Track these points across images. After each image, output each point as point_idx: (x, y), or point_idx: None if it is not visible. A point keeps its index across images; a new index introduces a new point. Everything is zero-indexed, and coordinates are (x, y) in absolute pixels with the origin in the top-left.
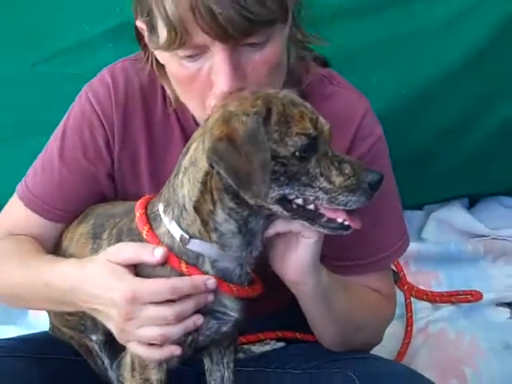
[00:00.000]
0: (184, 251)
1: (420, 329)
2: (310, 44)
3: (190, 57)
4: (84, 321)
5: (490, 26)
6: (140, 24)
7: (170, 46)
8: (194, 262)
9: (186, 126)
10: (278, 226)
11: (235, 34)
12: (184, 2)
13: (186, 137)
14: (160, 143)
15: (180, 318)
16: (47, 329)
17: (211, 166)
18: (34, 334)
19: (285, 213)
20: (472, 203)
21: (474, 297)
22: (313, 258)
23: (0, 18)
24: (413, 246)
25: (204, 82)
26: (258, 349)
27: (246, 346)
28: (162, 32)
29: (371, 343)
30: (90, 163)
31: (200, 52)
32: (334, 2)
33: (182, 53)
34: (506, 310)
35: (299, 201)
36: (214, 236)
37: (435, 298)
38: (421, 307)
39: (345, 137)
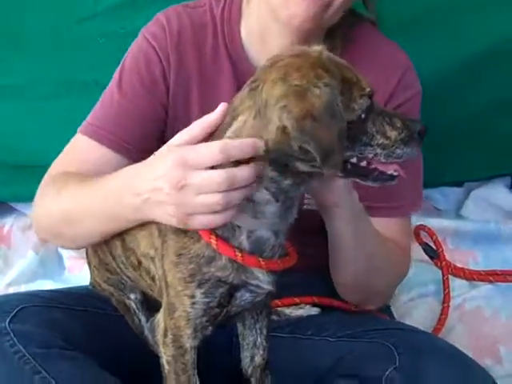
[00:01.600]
0: None
1: (456, 306)
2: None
3: None
4: (124, 280)
5: None
6: None
7: None
8: (229, 234)
9: (235, 57)
10: None
11: None
12: None
13: (234, 66)
14: (211, 73)
15: (235, 182)
16: (83, 284)
17: (300, 147)
18: (74, 287)
19: (340, 174)
20: None
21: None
22: (346, 180)
23: None
24: (451, 223)
25: None
26: (292, 312)
27: (280, 309)
28: None
29: (383, 295)
30: (147, 92)
31: None
32: None
33: None
34: None
35: (353, 160)
36: (247, 204)
37: (473, 276)
38: (458, 285)
39: (387, 84)
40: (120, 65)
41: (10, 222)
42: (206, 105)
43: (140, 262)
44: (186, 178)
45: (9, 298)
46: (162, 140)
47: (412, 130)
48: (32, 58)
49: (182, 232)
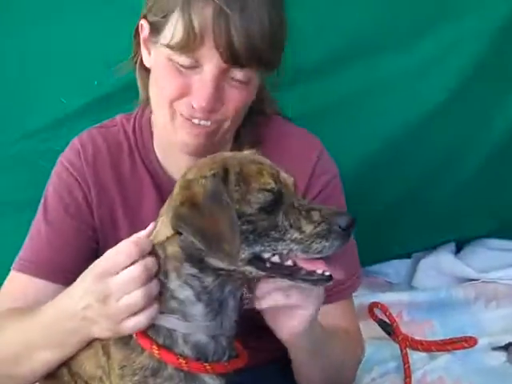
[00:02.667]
0: (157, 329)
1: (419, 379)
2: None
3: (186, 67)
4: None
5: (459, 71)
6: (145, 22)
7: (182, 47)
8: (169, 342)
9: (153, 171)
10: (275, 300)
11: (238, 59)
12: (207, 14)
13: (155, 182)
14: (133, 190)
15: (149, 273)
16: None
17: (178, 233)
18: None
19: (260, 272)
20: (459, 248)
21: (468, 343)
22: (309, 324)
23: None
24: (404, 296)
25: (184, 92)
26: None
27: None
28: (177, 34)
29: (347, 381)
30: (72, 219)
31: (196, 65)
32: (300, 60)
33: (183, 61)
34: (503, 354)
35: (275, 258)
36: (174, 304)
37: (431, 347)
38: (418, 357)
39: (303, 175)
40: (43, 195)
41: None
42: (133, 222)
43: None
44: (106, 288)
45: None
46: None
47: (332, 223)
48: None
49: (124, 344)
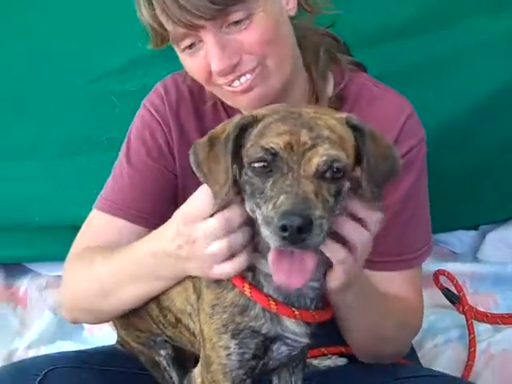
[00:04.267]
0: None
1: (482, 350)
2: (312, 12)
3: (189, 47)
4: (154, 337)
5: None
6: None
7: (156, 44)
8: (255, 282)
9: (230, 112)
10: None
11: (205, 15)
12: (155, 2)
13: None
14: None
15: (229, 223)
16: (102, 344)
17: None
18: (100, 346)
19: None
20: None
21: None
22: (349, 277)
23: (56, 36)
24: (469, 267)
25: (207, 68)
26: (319, 363)
27: (307, 360)
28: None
29: (399, 353)
30: (154, 161)
31: (194, 40)
32: (393, 20)
33: (181, 45)
34: None
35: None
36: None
37: (496, 320)
38: (481, 329)
39: (388, 136)
40: (126, 136)
41: (25, 283)
42: None
43: (178, 320)
44: (193, 232)
45: (35, 361)
46: (176, 204)
47: (278, 215)
48: (40, 118)
49: (216, 283)
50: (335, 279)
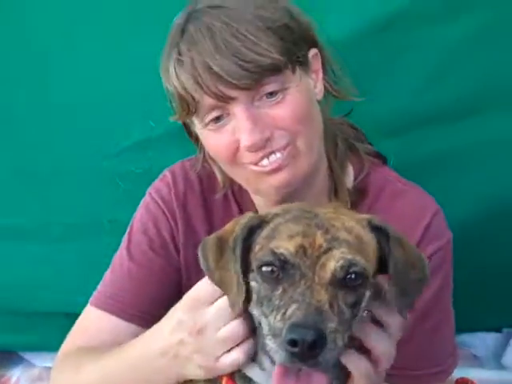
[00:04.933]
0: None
1: None
2: (339, 98)
3: (215, 120)
4: None
5: None
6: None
7: (181, 116)
8: None
9: (243, 205)
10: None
11: (240, 84)
12: (186, 70)
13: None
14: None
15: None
16: None
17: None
18: None
19: None
20: None
21: None
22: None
23: (62, 116)
24: (493, 375)
25: (234, 144)
26: None
27: None
28: (177, 104)
29: None
30: (156, 255)
31: (221, 113)
32: (416, 109)
33: (206, 118)
34: None
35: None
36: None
37: None
38: None
39: (412, 236)
40: (129, 226)
41: (17, 374)
42: None
43: None
44: (201, 318)
45: None
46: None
47: (287, 327)
48: (45, 199)
49: None
50: None
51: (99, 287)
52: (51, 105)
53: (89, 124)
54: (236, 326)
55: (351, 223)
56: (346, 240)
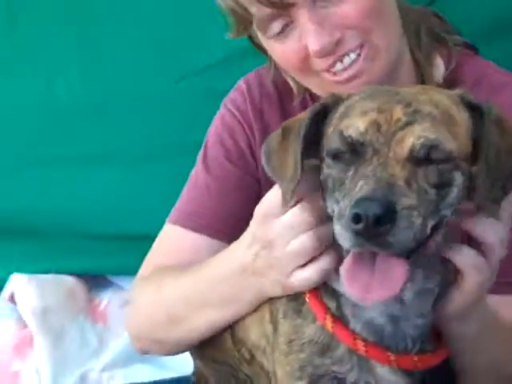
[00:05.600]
0: (331, 294)
1: None
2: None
3: (280, 33)
4: (235, 371)
5: None
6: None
7: (238, 32)
8: (338, 314)
9: None
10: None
11: None
12: None
13: None
14: None
15: (319, 214)
16: (182, 370)
17: None
18: (175, 378)
19: None
20: None
21: None
22: (481, 293)
23: (147, 32)
24: None
25: (303, 51)
26: None
27: None
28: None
29: None
30: (234, 166)
31: (284, 23)
32: None
33: (271, 31)
34: None
35: None
36: None
37: None
38: None
39: None
40: (204, 141)
41: (107, 298)
42: None
43: (253, 356)
44: (270, 231)
45: None
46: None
47: (352, 203)
48: (123, 122)
49: (295, 313)
50: (464, 293)
51: (177, 205)
52: (128, 24)
53: (166, 43)
54: (307, 240)
55: (440, 97)
56: (431, 114)
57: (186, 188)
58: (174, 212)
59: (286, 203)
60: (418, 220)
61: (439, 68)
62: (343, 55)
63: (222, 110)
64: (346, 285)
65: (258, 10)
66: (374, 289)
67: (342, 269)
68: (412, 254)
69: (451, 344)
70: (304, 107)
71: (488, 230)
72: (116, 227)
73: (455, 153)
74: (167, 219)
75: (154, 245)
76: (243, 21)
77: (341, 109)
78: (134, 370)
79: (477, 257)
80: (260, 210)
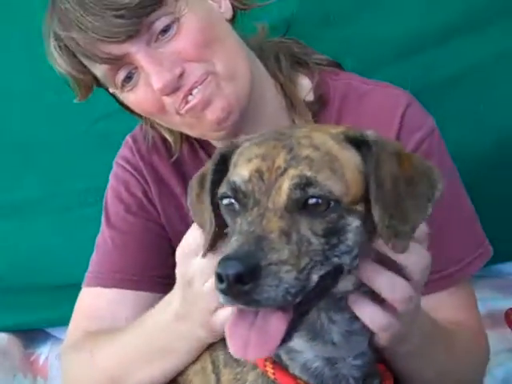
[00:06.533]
0: None
1: None
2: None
3: (127, 80)
4: None
5: None
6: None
7: (82, 95)
8: (276, 358)
9: (211, 151)
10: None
11: (124, 35)
12: (66, 51)
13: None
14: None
15: None
16: None
17: None
18: None
19: None
20: None
21: None
22: (400, 335)
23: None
24: None
25: (153, 96)
26: None
27: None
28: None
29: None
30: (136, 217)
31: (128, 70)
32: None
33: (118, 82)
34: None
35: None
36: None
37: None
38: None
39: (388, 134)
40: (104, 203)
41: (46, 351)
42: None
43: None
44: (190, 269)
45: None
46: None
47: (216, 268)
48: (49, 169)
49: (235, 361)
50: (383, 341)
51: (89, 268)
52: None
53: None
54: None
55: (323, 138)
56: (309, 157)
57: (95, 251)
58: (87, 275)
59: (205, 248)
60: (289, 274)
61: (304, 87)
62: (191, 89)
63: (114, 168)
64: (228, 341)
65: (98, 68)
66: (252, 346)
67: (226, 325)
68: (310, 304)
69: (396, 364)
70: (193, 152)
71: (389, 287)
72: (50, 277)
73: (339, 192)
74: (82, 284)
75: (75, 310)
76: (83, 83)
77: (234, 156)
78: None
79: (378, 315)
80: (180, 250)
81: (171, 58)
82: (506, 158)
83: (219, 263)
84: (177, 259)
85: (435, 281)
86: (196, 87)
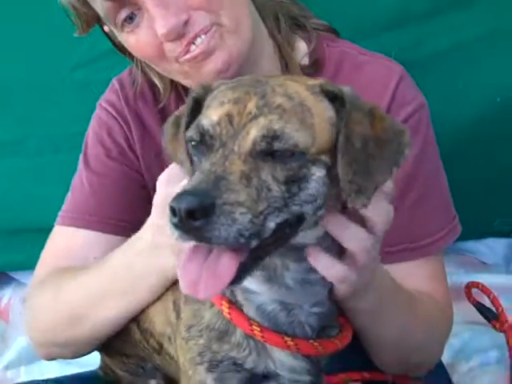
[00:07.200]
0: None
1: None
2: None
3: (128, 20)
4: (143, 363)
5: None
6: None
7: (82, 29)
8: (233, 299)
9: None
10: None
11: None
12: None
13: None
14: None
15: None
16: (88, 364)
17: None
18: (82, 373)
19: None
20: None
21: None
22: (357, 287)
23: (37, 22)
24: (502, 279)
25: (155, 40)
26: None
27: None
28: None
29: (429, 362)
30: (115, 162)
31: (130, 10)
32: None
33: (118, 21)
34: None
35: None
36: None
37: None
38: None
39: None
40: (83, 144)
41: (8, 294)
42: None
43: (160, 345)
44: (169, 193)
45: None
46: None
47: (171, 201)
48: (24, 113)
49: (194, 299)
50: (340, 293)
51: (63, 207)
52: (21, 17)
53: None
54: None
55: (297, 88)
56: (281, 106)
57: (71, 190)
58: (61, 214)
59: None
60: (243, 216)
61: (300, 50)
62: (194, 37)
63: (97, 111)
64: (179, 277)
65: (100, 3)
66: (202, 283)
67: (179, 262)
68: (266, 250)
69: (355, 320)
70: (179, 99)
71: (352, 239)
72: (14, 221)
73: (304, 144)
74: (55, 222)
75: (45, 248)
76: (85, 17)
77: (208, 99)
78: (40, 366)
79: (335, 267)
80: (162, 176)
81: (178, 3)
82: (483, 136)
83: (174, 197)
84: (158, 184)
85: (408, 250)
86: (200, 36)
